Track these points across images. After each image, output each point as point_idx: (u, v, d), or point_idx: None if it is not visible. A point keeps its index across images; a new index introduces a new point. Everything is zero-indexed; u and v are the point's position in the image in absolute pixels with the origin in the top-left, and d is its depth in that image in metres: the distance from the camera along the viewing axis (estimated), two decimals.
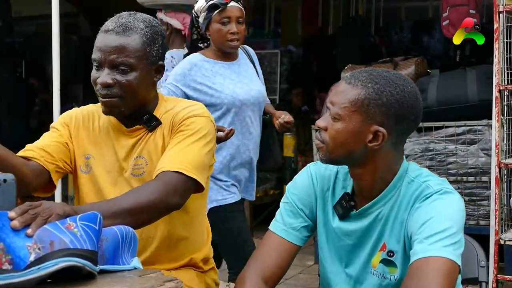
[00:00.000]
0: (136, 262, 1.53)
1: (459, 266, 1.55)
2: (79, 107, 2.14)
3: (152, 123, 1.98)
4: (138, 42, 1.90)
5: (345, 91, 1.65)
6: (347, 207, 1.74)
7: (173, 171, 1.83)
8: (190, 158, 1.88)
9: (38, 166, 1.95)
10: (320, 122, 1.69)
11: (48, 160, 1.97)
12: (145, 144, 1.98)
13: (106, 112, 1.95)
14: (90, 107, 2.10)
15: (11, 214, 1.43)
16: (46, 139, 2.03)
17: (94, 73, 1.94)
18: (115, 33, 1.89)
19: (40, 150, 1.97)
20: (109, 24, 1.93)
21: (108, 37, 1.90)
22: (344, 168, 1.78)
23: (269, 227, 1.83)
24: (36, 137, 2.05)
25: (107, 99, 1.91)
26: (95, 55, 1.92)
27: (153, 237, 1.99)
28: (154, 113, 2.00)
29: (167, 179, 1.82)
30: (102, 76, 1.89)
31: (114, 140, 2.02)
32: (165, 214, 1.87)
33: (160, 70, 1.99)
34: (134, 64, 1.90)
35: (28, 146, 2.00)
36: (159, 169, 1.85)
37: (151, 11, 2.00)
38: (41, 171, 1.95)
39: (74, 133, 2.05)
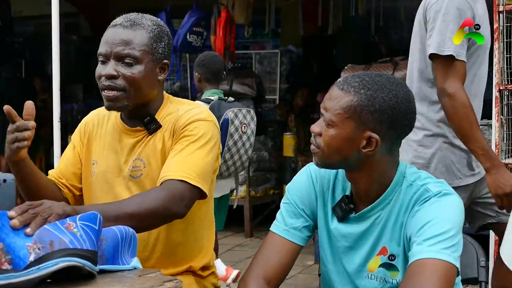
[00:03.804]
0: (135, 262, 1.53)
1: (457, 268, 1.55)
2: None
3: (152, 126, 1.98)
4: (144, 36, 1.93)
5: (338, 98, 1.65)
6: (346, 209, 1.73)
7: (178, 180, 1.83)
8: (194, 166, 1.87)
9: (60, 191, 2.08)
10: (314, 127, 1.69)
11: (66, 190, 2.08)
12: (144, 146, 1.98)
13: (109, 106, 1.95)
14: (104, 110, 2.10)
15: (11, 213, 1.43)
16: (62, 164, 2.12)
17: (99, 68, 1.94)
18: (123, 27, 1.92)
19: (59, 178, 2.08)
20: (118, 19, 1.96)
21: (115, 30, 1.93)
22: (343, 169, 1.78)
23: (270, 228, 1.82)
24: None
25: (110, 91, 1.91)
26: (102, 48, 1.93)
27: (149, 241, 1.98)
28: (157, 115, 2.00)
29: (172, 187, 1.82)
30: (106, 69, 1.90)
31: (117, 141, 2.03)
32: (167, 221, 1.89)
33: (164, 69, 2.00)
34: (139, 58, 1.91)
35: (50, 172, 2.11)
36: (164, 176, 1.85)
37: (150, 14, 2.00)
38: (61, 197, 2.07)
39: (85, 143, 2.11)
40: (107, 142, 2.05)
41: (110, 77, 1.90)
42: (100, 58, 1.93)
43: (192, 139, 1.92)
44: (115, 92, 1.91)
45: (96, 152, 2.07)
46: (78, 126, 2.17)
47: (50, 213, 1.47)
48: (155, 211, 1.78)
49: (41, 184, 1.95)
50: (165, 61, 1.99)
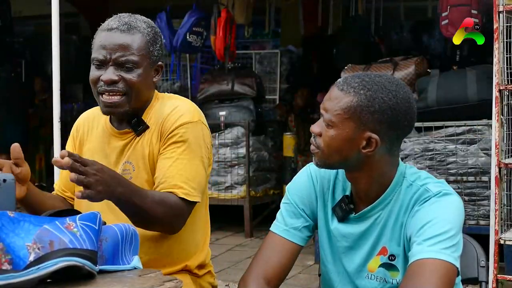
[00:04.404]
0: (136, 261, 1.53)
1: (457, 268, 1.55)
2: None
3: (140, 128, 1.97)
4: (142, 40, 1.92)
5: (337, 98, 1.65)
6: (346, 209, 1.73)
7: (180, 198, 1.87)
8: (192, 178, 1.90)
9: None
10: (314, 128, 1.69)
11: (73, 202, 2.12)
12: (133, 149, 1.99)
13: (107, 112, 1.94)
14: (96, 110, 2.10)
15: (63, 152, 1.55)
16: (63, 176, 2.14)
17: (94, 72, 1.93)
18: (120, 31, 1.91)
19: (63, 192, 2.13)
20: (112, 23, 1.94)
21: (112, 35, 1.91)
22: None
23: (270, 228, 1.82)
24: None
25: (111, 97, 1.90)
26: (98, 53, 1.91)
27: (144, 241, 1.97)
28: (144, 115, 1.99)
29: (175, 205, 1.86)
30: (106, 74, 1.89)
31: (106, 144, 2.03)
32: (164, 233, 1.95)
33: (158, 70, 2.00)
34: (139, 62, 1.91)
35: (55, 186, 2.17)
36: (164, 187, 1.88)
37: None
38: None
39: (77, 147, 2.12)
40: (97, 146, 2.05)
41: (111, 83, 1.89)
42: (96, 63, 1.92)
43: (183, 147, 1.92)
44: (118, 97, 1.90)
45: (86, 156, 2.07)
46: (71, 132, 2.17)
47: (89, 185, 1.60)
48: (160, 223, 1.85)
49: (51, 207, 1.95)
50: (159, 63, 2.00)
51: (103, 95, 1.91)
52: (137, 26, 1.93)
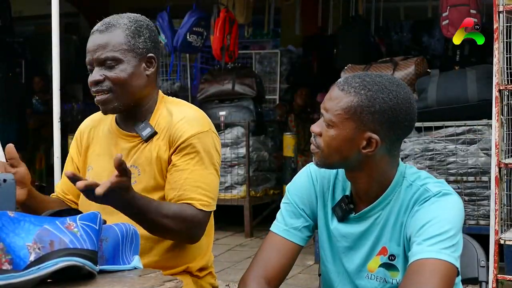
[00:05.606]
0: (136, 261, 1.53)
1: (457, 268, 1.55)
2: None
3: (147, 134, 1.98)
4: (120, 36, 1.94)
5: (338, 98, 1.64)
6: (346, 209, 1.73)
7: (198, 209, 1.92)
8: (209, 189, 1.95)
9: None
10: (314, 128, 1.69)
11: (74, 206, 2.13)
12: (140, 153, 1.99)
13: (103, 110, 1.98)
14: (99, 114, 2.12)
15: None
16: (65, 179, 2.13)
17: (89, 76, 1.97)
18: (99, 32, 1.96)
19: (65, 195, 2.14)
20: (96, 26, 1.99)
21: (93, 37, 1.96)
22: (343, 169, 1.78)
23: (270, 228, 1.82)
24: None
25: (99, 96, 1.94)
26: (86, 57, 1.97)
27: (146, 245, 1.97)
28: (151, 119, 2.00)
29: (191, 217, 1.90)
30: (91, 76, 1.94)
31: (112, 145, 2.03)
32: (183, 243, 2.00)
33: (151, 62, 2.00)
34: (119, 58, 1.93)
35: (56, 188, 2.18)
36: (181, 199, 1.91)
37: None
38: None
39: (83, 152, 2.13)
40: (102, 147, 2.06)
41: (97, 83, 1.93)
42: (88, 67, 1.97)
43: (197, 158, 1.95)
44: (103, 94, 1.94)
45: (91, 157, 2.08)
46: (74, 137, 2.19)
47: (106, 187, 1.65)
48: (178, 235, 1.92)
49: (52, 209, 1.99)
50: (150, 54, 1.99)
51: (95, 96, 1.96)
52: (116, 24, 1.96)
